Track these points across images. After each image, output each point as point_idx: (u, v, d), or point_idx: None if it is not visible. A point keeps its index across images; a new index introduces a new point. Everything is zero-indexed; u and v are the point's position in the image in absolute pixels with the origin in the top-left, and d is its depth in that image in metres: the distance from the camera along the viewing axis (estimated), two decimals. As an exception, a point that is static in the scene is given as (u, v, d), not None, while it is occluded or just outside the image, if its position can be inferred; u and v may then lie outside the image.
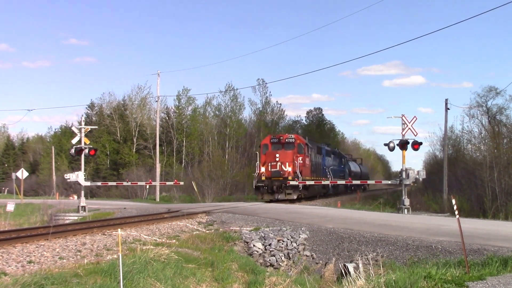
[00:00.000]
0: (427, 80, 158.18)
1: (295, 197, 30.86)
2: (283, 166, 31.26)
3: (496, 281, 8.42)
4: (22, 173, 40.92)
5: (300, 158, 31.92)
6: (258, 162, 32.07)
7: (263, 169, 31.39)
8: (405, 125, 24.68)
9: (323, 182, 36.64)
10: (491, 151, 33.55)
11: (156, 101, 44.94)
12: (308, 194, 34.96)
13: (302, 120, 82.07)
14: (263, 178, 31.16)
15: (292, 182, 32.74)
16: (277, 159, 31.30)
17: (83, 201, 27.32)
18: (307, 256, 14.15)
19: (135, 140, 66.04)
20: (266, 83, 69.15)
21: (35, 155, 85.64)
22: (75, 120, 73.46)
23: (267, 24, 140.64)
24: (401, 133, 24.80)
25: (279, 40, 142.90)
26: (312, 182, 33.96)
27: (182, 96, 66.53)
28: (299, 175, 30.99)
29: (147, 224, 16.12)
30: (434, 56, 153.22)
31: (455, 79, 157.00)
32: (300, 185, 30.82)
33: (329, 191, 42.44)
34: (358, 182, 43.53)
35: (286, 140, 32.98)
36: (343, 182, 39.05)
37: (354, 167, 57.64)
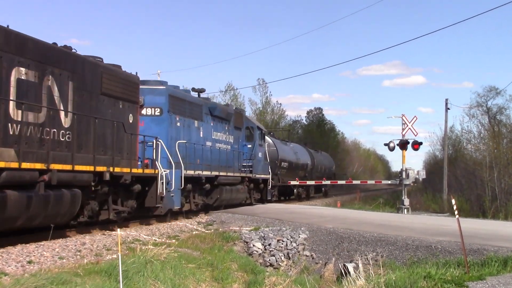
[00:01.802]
0: (428, 80, 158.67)
1: None
2: None
3: (496, 281, 8.43)
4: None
5: None
6: None
7: None
8: (405, 125, 24.77)
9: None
10: (491, 151, 33.59)
11: (156, 101, 44.47)
12: None
13: (302, 120, 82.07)
14: None
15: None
16: None
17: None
18: (306, 256, 14.15)
19: (135, 140, 65.77)
20: (266, 83, 69.09)
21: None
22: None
23: (267, 24, 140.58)
24: (401, 133, 24.90)
25: (279, 40, 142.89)
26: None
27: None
28: None
29: (147, 224, 16.11)
30: (434, 56, 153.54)
31: (455, 79, 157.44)
32: None
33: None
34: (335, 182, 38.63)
35: None
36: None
37: (292, 153, 34.21)
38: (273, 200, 28.30)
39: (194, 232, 15.75)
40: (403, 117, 24.90)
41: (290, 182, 31.92)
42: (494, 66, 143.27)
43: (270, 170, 26.73)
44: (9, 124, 10.40)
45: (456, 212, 10.26)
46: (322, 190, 42.29)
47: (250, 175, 23.93)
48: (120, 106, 14.55)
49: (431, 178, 45.19)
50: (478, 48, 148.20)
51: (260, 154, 25.92)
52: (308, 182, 33.81)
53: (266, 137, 28.71)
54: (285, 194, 34.50)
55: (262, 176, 25.71)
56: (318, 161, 41.05)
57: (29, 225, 11.05)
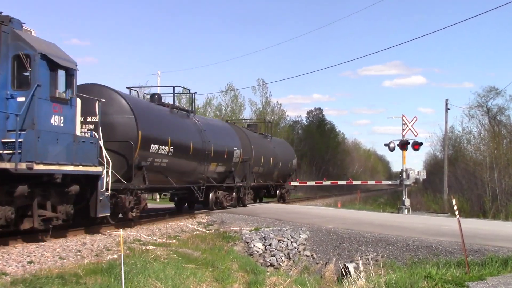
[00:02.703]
0: (428, 80, 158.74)
1: None
2: None
3: (496, 281, 8.43)
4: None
5: None
6: None
7: None
8: (406, 125, 24.81)
9: None
10: (491, 152, 33.61)
11: (157, 101, 44.06)
12: None
13: (303, 120, 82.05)
14: None
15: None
16: None
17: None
18: (307, 256, 14.15)
19: (135, 140, 65.44)
20: (266, 83, 69.07)
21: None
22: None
23: (267, 24, 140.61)
24: (402, 133, 24.90)
25: (279, 40, 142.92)
26: None
27: (182, 96, 66.46)
28: None
29: (147, 224, 16.11)
30: (434, 56, 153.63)
31: (455, 79, 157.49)
32: None
33: None
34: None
35: None
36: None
37: (193, 131, 18.75)
38: (135, 216, 15.22)
39: (194, 233, 15.76)
40: (403, 118, 24.96)
41: (290, 183, 29.66)
42: (494, 66, 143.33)
43: (108, 158, 13.33)
44: None
45: (456, 212, 10.27)
46: (277, 193, 28.54)
47: (5, 165, 10.10)
48: None
49: (432, 178, 45.19)
50: (478, 48, 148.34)
51: (59, 120, 11.46)
52: (309, 183, 33.35)
53: (114, 93, 15.08)
54: (182, 201, 21.23)
55: (64, 168, 11.48)
56: (260, 151, 25.31)
57: None
